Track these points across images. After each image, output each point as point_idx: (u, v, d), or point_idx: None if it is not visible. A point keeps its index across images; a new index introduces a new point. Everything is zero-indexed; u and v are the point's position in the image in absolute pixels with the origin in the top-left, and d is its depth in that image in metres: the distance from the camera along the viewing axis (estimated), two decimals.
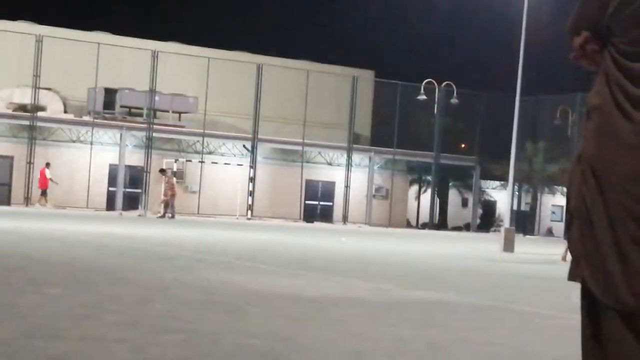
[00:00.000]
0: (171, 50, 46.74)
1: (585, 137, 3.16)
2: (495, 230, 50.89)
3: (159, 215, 38.43)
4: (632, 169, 3.02)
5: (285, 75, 49.23)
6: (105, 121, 45.26)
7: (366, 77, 53.03)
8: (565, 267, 3.35)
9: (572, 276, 3.22)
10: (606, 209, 3.05)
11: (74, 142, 45.00)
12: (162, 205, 39.15)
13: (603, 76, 3.13)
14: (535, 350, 6.43)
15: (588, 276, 3.12)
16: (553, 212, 58.96)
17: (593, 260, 3.10)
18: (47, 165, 41.54)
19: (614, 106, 3.07)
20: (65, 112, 45.50)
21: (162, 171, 39.96)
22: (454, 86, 48.79)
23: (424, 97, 47.46)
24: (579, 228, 3.15)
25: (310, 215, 49.68)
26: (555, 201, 58.35)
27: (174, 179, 40.30)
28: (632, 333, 3.05)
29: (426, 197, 57.50)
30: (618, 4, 3.06)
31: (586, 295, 3.17)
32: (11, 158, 43.83)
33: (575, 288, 3.29)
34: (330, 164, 51.37)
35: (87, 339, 5.62)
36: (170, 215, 37.93)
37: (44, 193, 41.12)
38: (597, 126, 3.11)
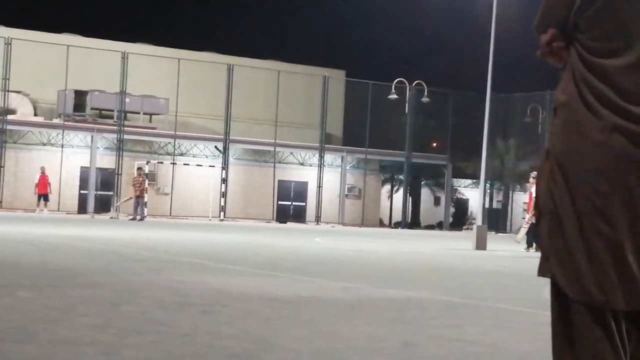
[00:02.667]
0: (141, 52, 46.54)
1: (552, 134, 3.19)
2: (467, 228, 51.08)
3: (131, 217, 38.20)
4: (598, 165, 3.04)
5: (255, 75, 49.18)
6: (76, 123, 45.02)
7: (337, 77, 53.09)
8: (535, 264, 3.37)
9: (541, 272, 3.24)
10: (574, 205, 3.08)
11: (44, 145, 44.73)
12: (132, 205, 38.70)
13: (570, 73, 3.16)
14: (507, 346, 6.46)
15: (557, 271, 3.15)
16: (524, 210, 59.23)
17: (562, 256, 3.12)
18: (43, 170, 41.27)
19: (580, 102, 3.09)
20: (35, 114, 45.24)
21: (139, 169, 39.64)
22: (424, 85, 48.95)
23: (395, 96, 47.57)
24: (547, 224, 3.18)
25: (283, 215, 49.65)
26: (526, 199, 58.59)
27: (145, 181, 39.88)
28: (600, 327, 3.08)
29: (399, 196, 57.63)
30: (584, 0, 3.08)
31: (556, 290, 3.20)
32: None
33: (546, 284, 3.31)
34: (302, 164, 51.38)
35: (59, 342, 5.59)
36: (139, 217, 37.69)
37: (45, 198, 40.86)
38: (564, 122, 3.14)
